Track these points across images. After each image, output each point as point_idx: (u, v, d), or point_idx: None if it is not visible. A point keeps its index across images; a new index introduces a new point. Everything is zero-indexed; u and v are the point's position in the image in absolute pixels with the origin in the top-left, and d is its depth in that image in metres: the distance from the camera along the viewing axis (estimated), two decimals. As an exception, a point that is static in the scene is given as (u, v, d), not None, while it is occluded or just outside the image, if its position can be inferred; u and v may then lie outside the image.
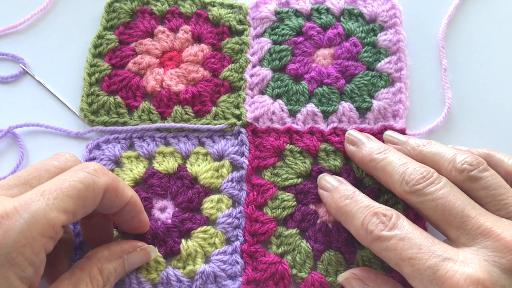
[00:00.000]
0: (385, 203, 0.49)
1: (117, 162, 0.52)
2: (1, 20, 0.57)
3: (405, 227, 0.41)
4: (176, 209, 0.50)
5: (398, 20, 0.56)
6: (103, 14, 0.57)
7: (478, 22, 0.59)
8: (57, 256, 0.45)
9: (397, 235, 0.40)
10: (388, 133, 0.51)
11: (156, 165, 0.52)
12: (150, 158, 0.52)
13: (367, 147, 0.48)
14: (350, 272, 0.46)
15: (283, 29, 0.56)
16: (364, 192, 0.46)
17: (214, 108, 0.54)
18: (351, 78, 0.55)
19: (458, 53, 0.57)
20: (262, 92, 0.55)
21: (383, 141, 0.51)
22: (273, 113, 0.54)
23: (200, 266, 0.48)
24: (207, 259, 0.49)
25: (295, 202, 0.50)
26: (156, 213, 0.50)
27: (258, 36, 0.57)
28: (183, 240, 0.49)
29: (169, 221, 0.49)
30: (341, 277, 0.46)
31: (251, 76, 0.55)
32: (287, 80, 0.54)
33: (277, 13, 0.57)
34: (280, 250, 0.49)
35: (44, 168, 0.41)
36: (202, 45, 0.56)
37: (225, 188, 0.51)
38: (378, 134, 0.52)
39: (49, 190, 0.37)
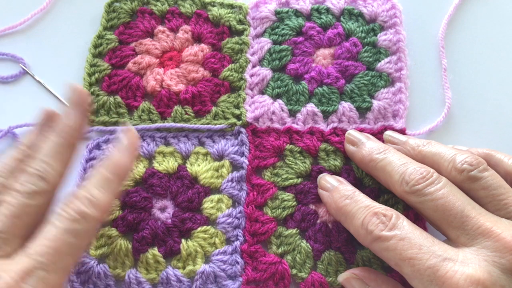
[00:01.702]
0: (385, 203, 0.49)
1: (117, 162, 0.52)
2: (1, 20, 0.57)
3: (405, 227, 0.41)
4: (176, 209, 0.50)
5: (398, 20, 0.56)
6: (103, 14, 0.57)
7: (478, 22, 0.59)
8: None
9: (397, 235, 0.40)
10: (388, 133, 0.51)
11: (156, 165, 0.52)
12: (150, 158, 0.52)
13: (367, 147, 0.48)
14: (350, 272, 0.46)
15: (283, 29, 0.56)
16: (364, 192, 0.46)
17: (214, 108, 0.54)
18: (351, 78, 0.55)
19: (458, 53, 0.57)
20: (262, 92, 0.55)
21: (383, 141, 0.51)
22: (273, 113, 0.54)
23: (200, 266, 0.48)
24: (207, 259, 0.49)
25: (295, 202, 0.50)
26: (156, 213, 0.50)
27: (258, 36, 0.57)
28: (183, 240, 0.49)
29: (169, 221, 0.49)
30: (341, 277, 0.46)
31: (251, 76, 0.55)
32: (287, 80, 0.54)
33: (277, 13, 0.57)
34: (280, 250, 0.49)
35: (24, 213, 0.40)
36: (202, 45, 0.56)
37: (225, 188, 0.51)
38: (378, 134, 0.52)
39: (44, 255, 0.37)
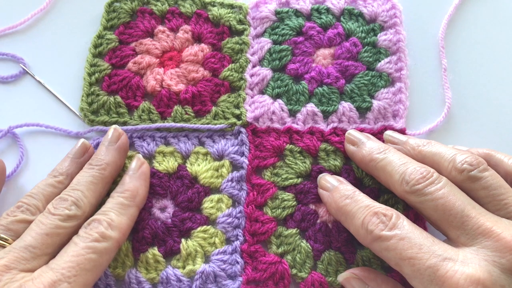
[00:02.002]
0: (385, 203, 0.49)
1: (117, 162, 0.52)
2: (1, 20, 0.57)
3: (405, 227, 0.41)
4: (176, 208, 0.50)
5: (398, 20, 0.56)
6: (103, 14, 0.57)
7: (478, 22, 0.59)
8: None
9: (397, 235, 0.40)
10: (388, 133, 0.51)
11: (156, 165, 0.52)
12: (150, 157, 0.52)
13: (367, 147, 0.48)
14: (350, 272, 0.46)
15: (283, 29, 0.56)
16: (364, 192, 0.46)
17: (214, 108, 0.54)
18: (351, 78, 0.55)
19: (458, 53, 0.57)
20: (262, 92, 0.55)
21: (383, 141, 0.50)
22: (273, 113, 0.54)
23: (200, 266, 0.48)
24: (207, 259, 0.49)
25: (295, 202, 0.50)
26: (156, 212, 0.50)
27: (258, 36, 0.57)
28: (183, 240, 0.49)
29: (169, 220, 0.49)
30: (341, 277, 0.46)
31: (251, 76, 0.55)
32: (287, 80, 0.54)
33: (277, 13, 0.57)
34: (280, 250, 0.49)
35: (55, 233, 0.43)
36: (202, 45, 0.56)
37: (225, 188, 0.51)
38: (378, 134, 0.52)
39: (67, 269, 0.40)
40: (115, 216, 0.44)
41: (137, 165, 0.49)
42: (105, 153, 0.48)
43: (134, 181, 0.47)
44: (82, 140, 0.50)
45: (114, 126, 0.50)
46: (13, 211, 0.45)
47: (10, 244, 0.42)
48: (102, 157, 0.48)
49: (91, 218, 0.44)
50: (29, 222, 0.44)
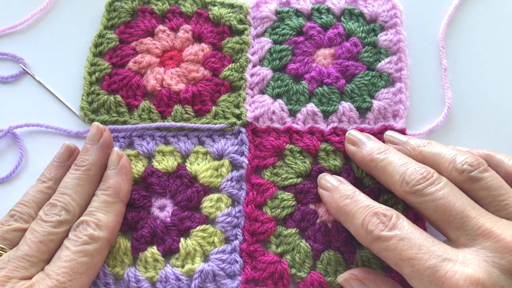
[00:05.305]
0: (385, 203, 0.49)
1: (116, 161, 0.52)
2: (1, 20, 0.57)
3: (405, 227, 0.41)
4: (175, 207, 0.50)
5: (398, 20, 0.56)
6: (104, 13, 0.57)
7: (478, 22, 0.59)
8: None
9: (397, 235, 0.40)
10: (389, 133, 0.51)
11: (155, 164, 0.52)
12: (149, 156, 0.52)
13: (367, 147, 0.48)
14: (349, 273, 0.46)
15: (283, 28, 0.56)
16: (364, 192, 0.46)
17: (214, 108, 0.54)
18: (352, 78, 0.55)
19: (458, 53, 0.57)
20: (262, 92, 0.55)
21: (383, 141, 0.50)
22: (273, 112, 0.54)
23: (199, 265, 0.48)
24: (206, 258, 0.49)
25: (294, 202, 0.50)
26: (155, 211, 0.50)
27: (258, 35, 0.57)
28: (182, 239, 0.49)
29: (168, 219, 0.49)
30: (341, 278, 0.46)
31: (251, 75, 0.55)
32: (287, 80, 0.54)
33: (277, 12, 0.57)
34: (279, 250, 0.49)
35: (49, 239, 0.44)
36: (203, 44, 0.56)
37: (224, 187, 0.51)
38: (378, 134, 0.52)
39: (62, 275, 0.42)
40: (102, 215, 0.45)
41: (116, 160, 0.48)
42: (89, 152, 0.48)
43: (115, 177, 0.47)
44: (65, 143, 0.50)
45: (95, 123, 0.49)
46: (7, 220, 0.46)
47: (6, 252, 0.44)
48: (86, 157, 0.48)
49: (79, 220, 0.45)
50: (24, 230, 0.45)
